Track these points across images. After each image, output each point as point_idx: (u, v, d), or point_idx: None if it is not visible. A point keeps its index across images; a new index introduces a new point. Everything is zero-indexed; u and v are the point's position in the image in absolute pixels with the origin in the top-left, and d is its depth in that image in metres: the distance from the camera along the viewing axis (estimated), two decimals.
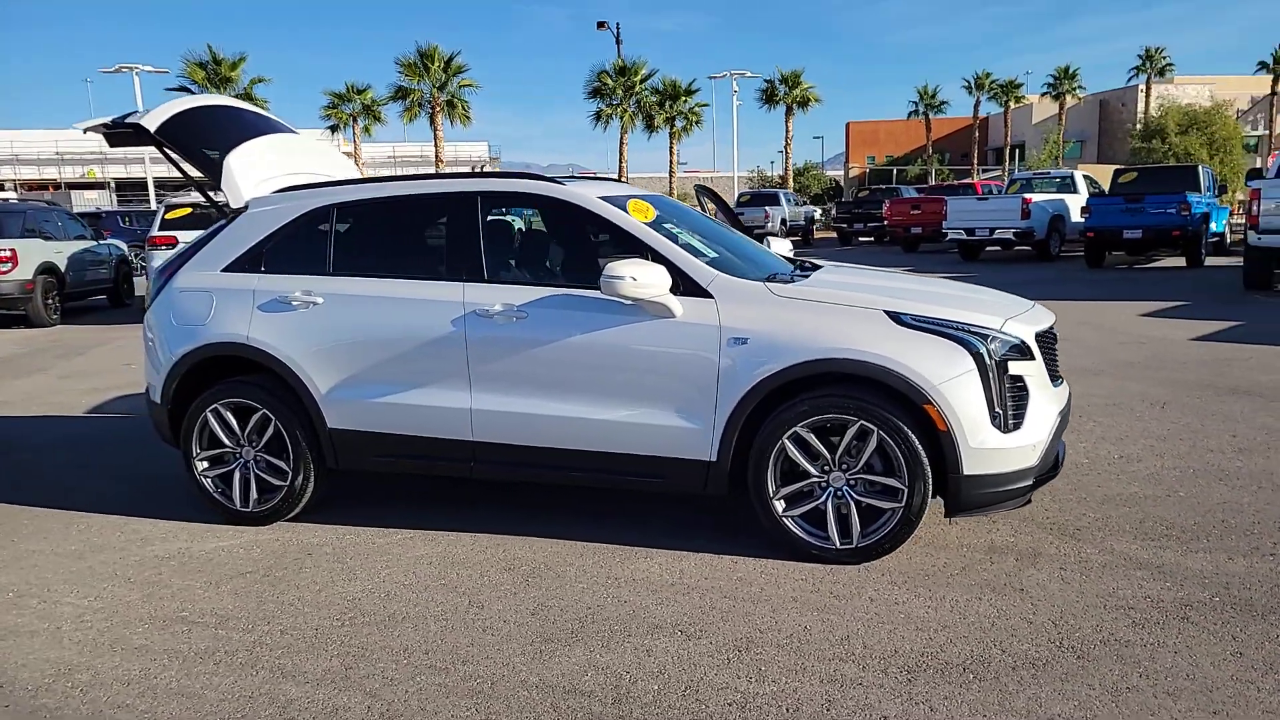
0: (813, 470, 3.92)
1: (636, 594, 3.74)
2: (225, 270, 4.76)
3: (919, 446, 3.76)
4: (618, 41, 41.73)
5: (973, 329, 3.84)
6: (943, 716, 2.79)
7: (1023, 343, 3.92)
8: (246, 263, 4.74)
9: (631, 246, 4.23)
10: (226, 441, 4.70)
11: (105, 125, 5.02)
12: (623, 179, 40.99)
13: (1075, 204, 20.87)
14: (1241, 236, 22.80)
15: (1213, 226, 18.86)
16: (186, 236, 14.24)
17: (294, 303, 4.55)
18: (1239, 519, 4.32)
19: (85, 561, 4.33)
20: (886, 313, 3.89)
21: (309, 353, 4.50)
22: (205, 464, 4.75)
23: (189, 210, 14.83)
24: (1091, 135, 71.98)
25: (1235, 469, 5.08)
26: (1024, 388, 3.89)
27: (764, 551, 4.08)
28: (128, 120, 4.89)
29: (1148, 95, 68.41)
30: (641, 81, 39.47)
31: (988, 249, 22.21)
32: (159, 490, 5.39)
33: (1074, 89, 71.25)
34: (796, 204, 32.57)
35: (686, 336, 4.00)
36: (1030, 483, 3.90)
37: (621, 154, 40.78)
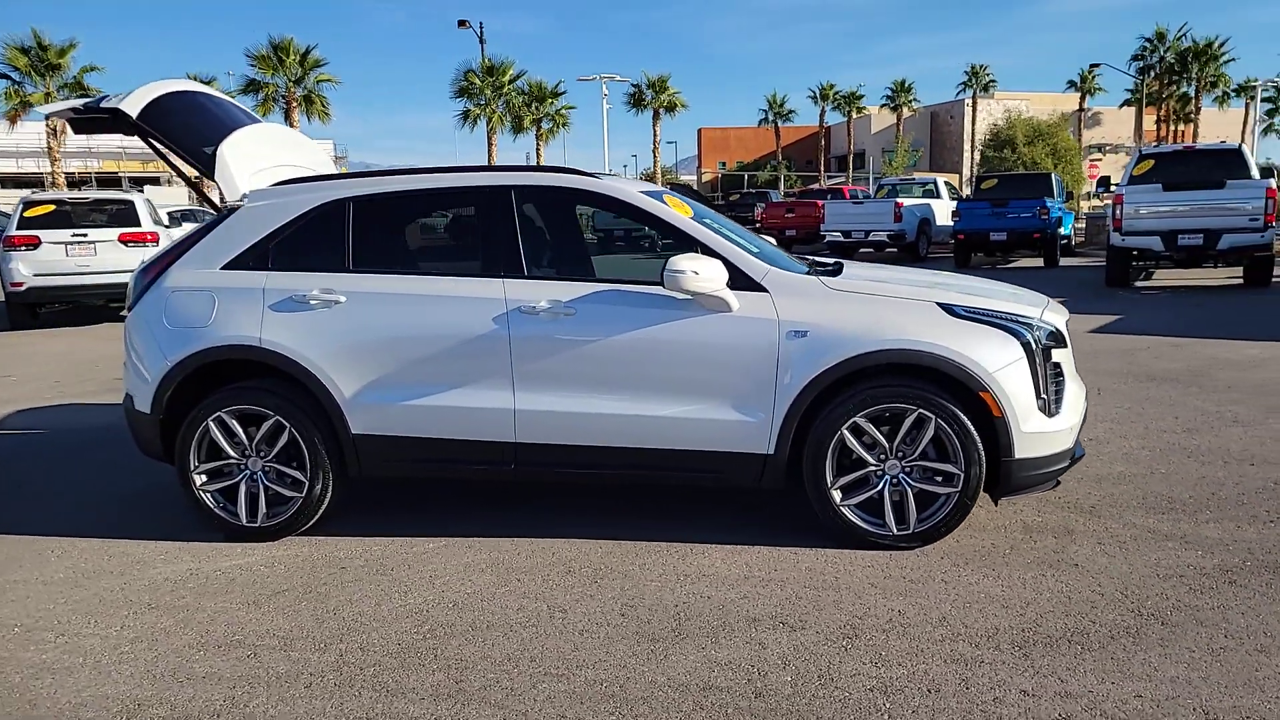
0: (870, 459, 4.01)
1: (715, 589, 3.72)
2: (226, 268, 4.43)
3: (974, 432, 3.91)
4: (481, 41, 41.14)
5: (1019, 319, 4.03)
6: (1075, 687, 2.91)
7: (1058, 330, 4.15)
8: (251, 260, 4.42)
9: (679, 241, 4.21)
10: (231, 452, 4.37)
11: (74, 110, 4.58)
12: None
13: (939, 208, 22.15)
14: (1083, 239, 24.85)
15: (1063, 230, 20.38)
16: (53, 235, 13.15)
17: (312, 302, 4.28)
18: (1225, 491, 4.70)
19: (85, 589, 3.93)
20: (939, 305, 4.03)
21: (331, 355, 4.24)
22: (204, 478, 4.40)
23: (51, 208, 13.66)
24: (924, 144, 76.36)
25: (1194, 446, 5.53)
26: (1061, 374, 4.11)
27: (817, 541, 4.14)
28: (103, 105, 4.48)
29: (974, 109, 73.21)
30: (510, 82, 39.10)
31: (861, 250, 23.20)
32: (130, 509, 4.96)
33: (909, 101, 75.49)
34: None
35: (744, 330, 4.01)
36: (1066, 465, 4.13)
37: (491, 155, 40.25)
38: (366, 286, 4.28)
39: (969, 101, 73.60)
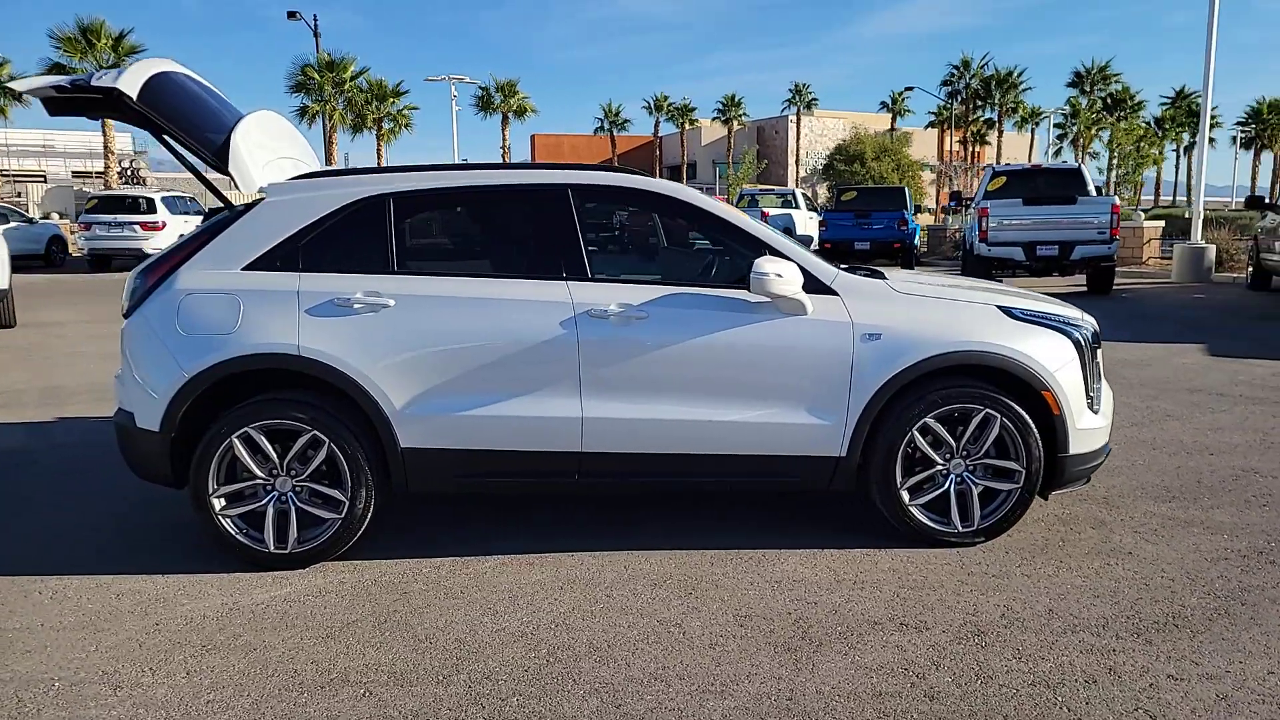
0: (937, 459, 4.10)
1: (816, 595, 3.69)
2: (248, 269, 4.00)
3: (1035, 430, 4.07)
4: (315, 35, 39.32)
5: (1069, 320, 4.23)
6: (1211, 668, 3.08)
7: (1098, 331, 4.38)
8: (278, 260, 4.02)
9: (743, 243, 4.16)
10: (258, 472, 3.95)
11: (56, 89, 4.02)
12: None
13: (799, 218, 23.01)
14: (925, 249, 26.46)
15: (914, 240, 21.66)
16: None
17: (356, 306, 3.93)
18: (1207, 479, 5.12)
19: (112, 634, 3.44)
20: (999, 307, 4.17)
21: (378, 363, 3.91)
22: (224, 502, 3.96)
23: None
24: (743, 157, 79.47)
25: (1151, 440, 5.99)
26: (1100, 373, 4.35)
27: (877, 541, 4.20)
28: (94, 84, 3.95)
29: (798, 124, 76.80)
30: (352, 79, 37.54)
31: None
32: (112, 538, 4.40)
33: (739, 115, 78.26)
34: None
35: (819, 333, 4.01)
36: (1103, 459, 4.37)
37: (331, 153, 38.52)
38: (416, 289, 3.98)
39: (793, 118, 77.07)
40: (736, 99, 77.06)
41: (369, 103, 39.41)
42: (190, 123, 4.15)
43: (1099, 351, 4.32)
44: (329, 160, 39.34)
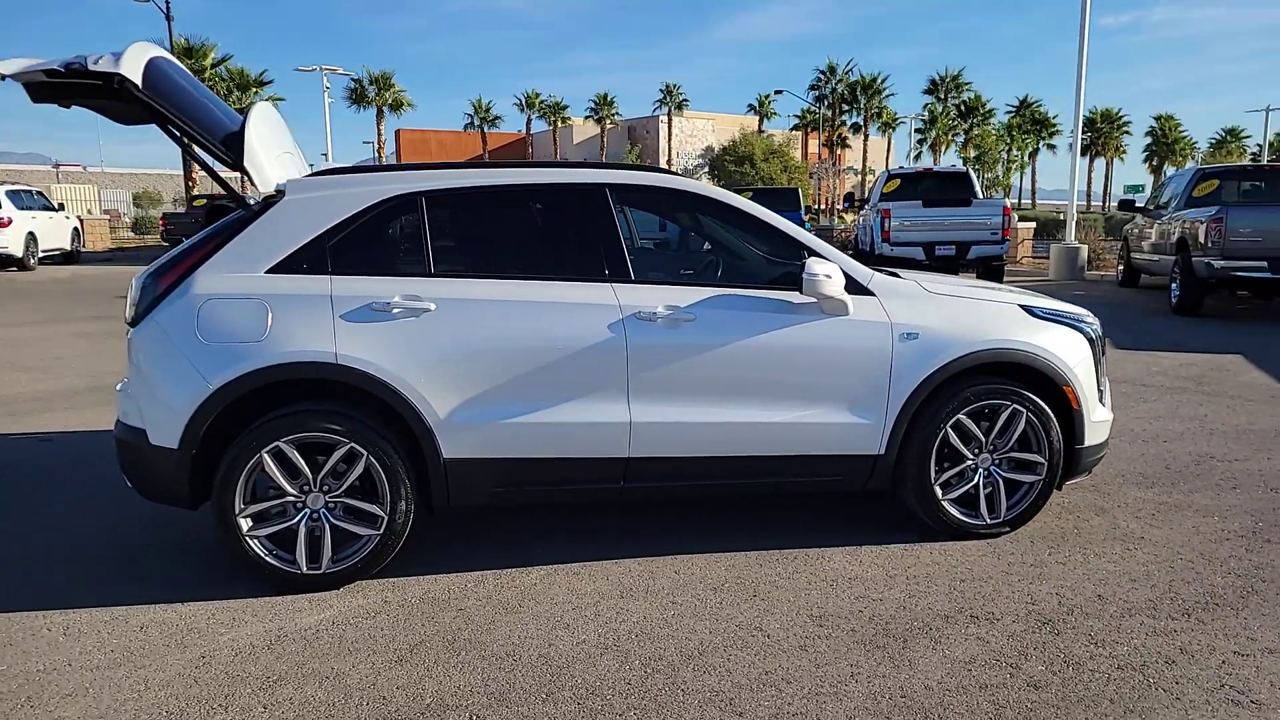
0: (968, 454, 4.23)
1: (878, 591, 3.74)
2: (272, 271, 3.75)
3: (1056, 423, 4.26)
4: (168, 19, 37.08)
5: (1081, 318, 4.44)
6: (1265, 643, 3.29)
7: (1102, 329, 4.62)
8: (305, 262, 3.78)
9: (781, 244, 4.18)
10: (289, 489, 3.71)
11: (46, 73, 3.65)
12: (192, 176, 36.67)
13: None
14: None
15: None
16: None
17: (395, 310, 3.74)
18: (1176, 465, 5.48)
19: (157, 670, 3.16)
20: (1021, 306, 4.34)
21: (420, 370, 3.73)
22: (251, 521, 3.69)
23: None
24: (623, 157, 79.84)
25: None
26: (1105, 368, 4.59)
27: (907, 536, 4.30)
28: (92, 68, 3.61)
29: (669, 125, 77.81)
30: (213, 66, 35.58)
31: None
32: (111, 561, 4.03)
33: (612, 115, 78.66)
34: None
35: (861, 334, 4.07)
36: (1105, 451, 4.61)
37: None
38: (458, 292, 3.82)
39: (664, 118, 78.02)
40: (609, 98, 77.49)
41: (230, 93, 37.51)
42: (195, 113, 3.85)
43: (1105, 347, 4.56)
44: (184, 154, 37.25)
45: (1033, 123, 65.42)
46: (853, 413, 4.09)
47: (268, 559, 3.71)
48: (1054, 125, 67.41)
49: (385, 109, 42.40)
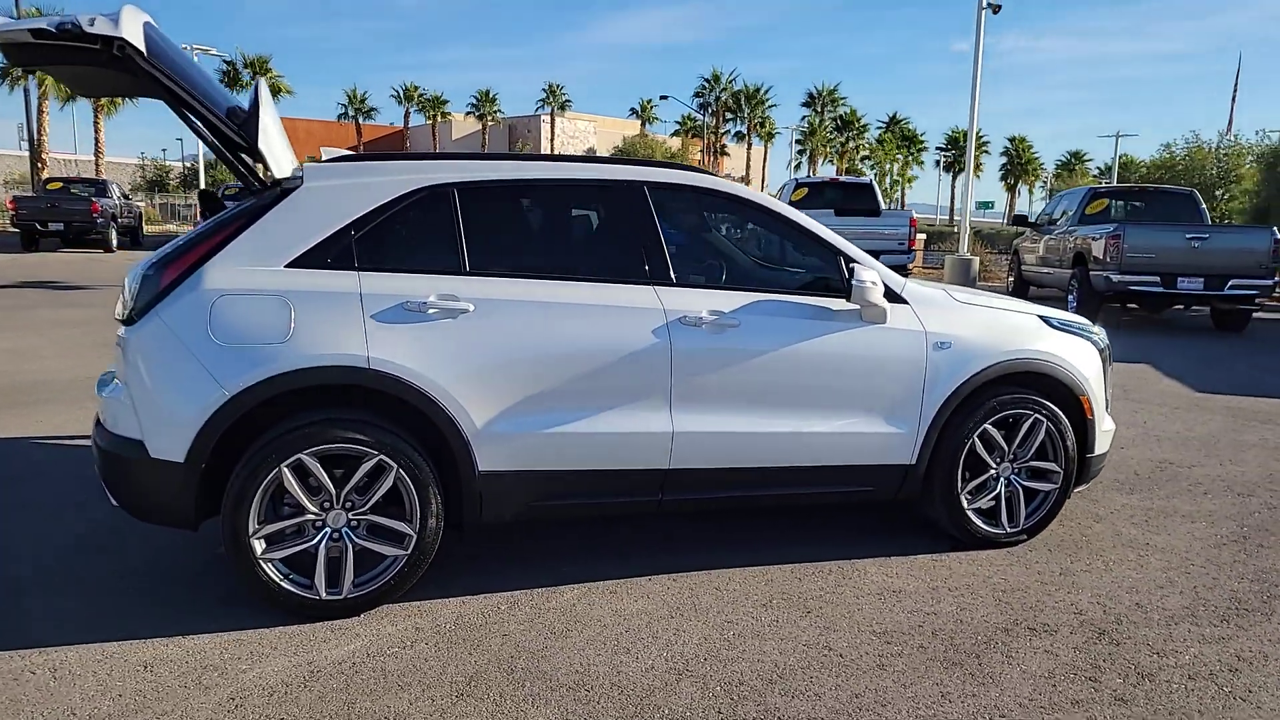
0: (991, 463, 4.24)
1: (928, 604, 3.68)
2: (293, 266, 3.39)
3: (1071, 432, 4.32)
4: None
5: (1090, 330, 4.53)
6: None
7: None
8: (328, 256, 3.43)
9: (821, 250, 4.09)
10: (310, 506, 3.36)
11: (34, 32, 3.19)
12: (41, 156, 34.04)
13: None
14: None
15: None
16: None
17: (431, 311, 3.44)
18: (1144, 471, 5.68)
19: (183, 716, 2.78)
20: (1040, 317, 4.38)
21: (457, 376, 3.45)
22: (264, 544, 3.32)
23: None
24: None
25: None
26: (1109, 378, 4.69)
27: (925, 546, 4.28)
28: (89, 30, 3.19)
29: (552, 125, 77.34)
30: None
31: None
32: (89, 588, 3.56)
33: (494, 111, 77.54)
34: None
35: (898, 342, 4.02)
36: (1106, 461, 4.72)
37: (41, 125, 33.79)
38: (497, 293, 3.55)
39: (545, 117, 77.47)
40: (491, 94, 76.40)
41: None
42: (201, 87, 3.45)
43: (1110, 357, 4.67)
44: (39, 136, 34.58)
45: (902, 138, 68.26)
46: (888, 422, 4.04)
47: (283, 584, 3.35)
48: (921, 142, 70.51)
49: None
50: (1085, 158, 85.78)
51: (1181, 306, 13.36)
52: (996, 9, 17.91)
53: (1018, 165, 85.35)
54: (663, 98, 62.40)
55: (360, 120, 76.50)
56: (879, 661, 3.21)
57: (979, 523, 4.25)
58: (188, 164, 51.49)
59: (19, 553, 3.97)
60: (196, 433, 3.22)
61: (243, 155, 3.68)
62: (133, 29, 3.25)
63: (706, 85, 60.00)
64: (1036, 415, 4.23)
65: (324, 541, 3.39)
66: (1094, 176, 79.54)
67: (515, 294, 3.57)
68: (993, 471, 4.25)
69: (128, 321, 3.33)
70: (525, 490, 3.62)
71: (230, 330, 3.26)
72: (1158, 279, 12.02)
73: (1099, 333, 4.58)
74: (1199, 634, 3.48)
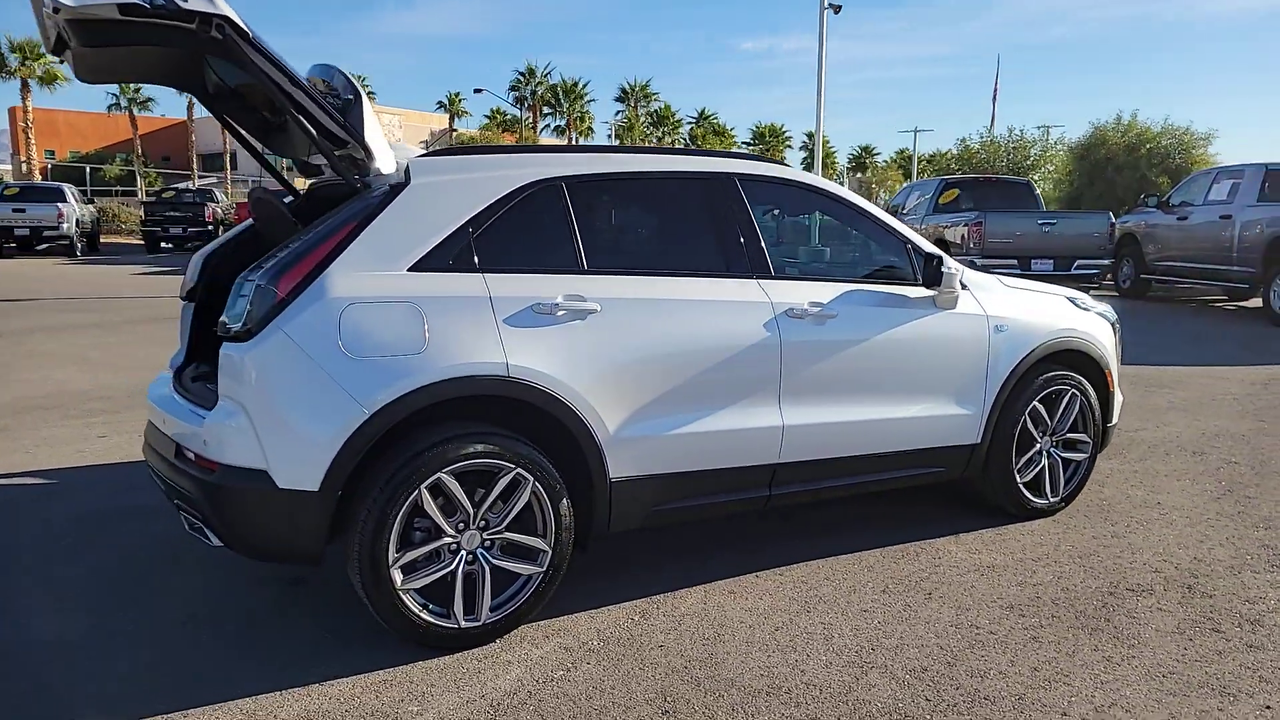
0: (1038, 438, 4.49)
1: (1026, 576, 3.84)
2: (415, 269, 3.11)
3: (1097, 404, 4.64)
4: None
5: (1105, 311, 4.86)
6: None
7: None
8: (450, 258, 3.18)
9: (893, 241, 4.17)
10: (447, 529, 3.11)
11: (120, 8, 2.77)
12: None
13: None
14: None
15: None
16: None
17: (560, 314, 3.25)
18: (1121, 436, 6.15)
19: None
20: (1067, 298, 4.66)
21: (590, 380, 3.28)
22: (402, 573, 3.05)
23: None
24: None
25: None
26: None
27: (976, 521, 4.48)
28: (184, 6, 2.81)
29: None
30: None
31: None
32: (170, 638, 3.14)
33: None
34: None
35: (966, 325, 4.17)
36: None
37: None
38: (619, 291, 3.40)
39: None
40: None
41: None
42: (296, 76, 3.10)
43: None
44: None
45: (713, 133, 70.31)
46: (958, 404, 4.19)
47: (425, 616, 3.08)
48: (731, 137, 72.90)
49: (32, 81, 36.22)
50: (875, 151, 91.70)
51: None
52: (837, 9, 18.81)
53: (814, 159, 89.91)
54: (477, 91, 60.91)
55: (135, 111, 70.42)
56: (1030, 635, 3.33)
57: (1029, 495, 4.48)
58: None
59: (70, 600, 3.44)
60: (333, 457, 2.90)
61: (333, 152, 3.30)
62: (225, 7, 2.87)
63: (522, 79, 59.41)
64: (1073, 390, 4.51)
65: (460, 566, 3.14)
66: (883, 169, 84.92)
67: (638, 292, 3.43)
68: (1038, 446, 4.49)
69: (239, 338, 2.94)
70: (651, 496, 3.50)
71: (363, 342, 2.95)
72: (1015, 262, 13.04)
73: (1109, 310, 4.94)
74: (1266, 580, 3.82)
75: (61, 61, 3.59)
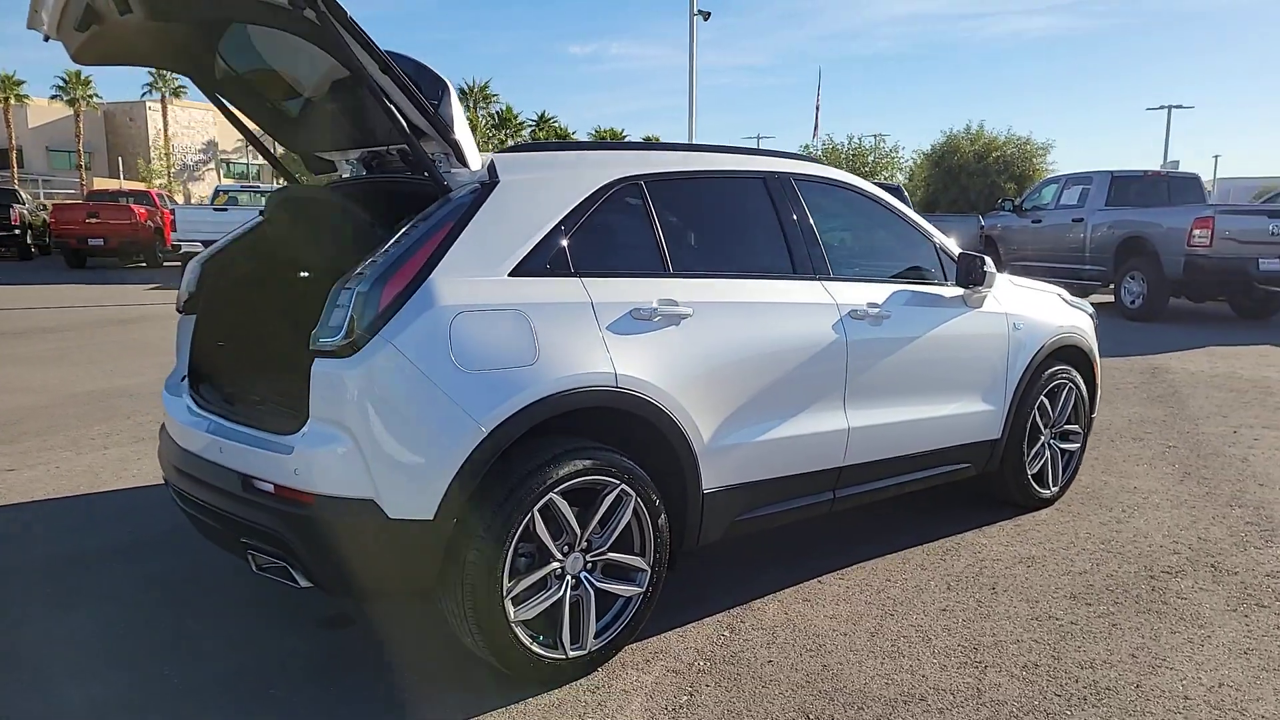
0: (1043, 430, 4.66)
1: (1069, 565, 3.96)
2: (515, 274, 2.87)
3: (1087, 395, 4.87)
4: None
5: (1082, 304, 5.10)
6: None
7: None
8: (546, 261, 2.95)
9: (922, 242, 4.21)
10: (556, 554, 2.89)
11: None
12: None
13: None
14: None
15: None
16: None
17: (656, 319, 3.08)
18: None
19: None
20: (1058, 295, 4.86)
21: (687, 388, 3.13)
22: (513, 605, 2.80)
23: None
24: (100, 147, 69.51)
25: None
26: None
27: (991, 513, 4.61)
28: None
29: (164, 112, 69.06)
30: None
31: None
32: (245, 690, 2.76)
33: (88, 96, 67.69)
34: None
35: (992, 323, 4.27)
36: None
37: None
38: (707, 294, 3.26)
39: (154, 105, 68.99)
40: (84, 77, 66.48)
41: None
42: (388, 62, 2.79)
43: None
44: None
45: (555, 137, 70.14)
46: (985, 400, 4.29)
47: (535, 649, 2.84)
48: (573, 139, 72.96)
49: None
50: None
51: None
52: (706, 16, 19.10)
53: None
54: None
55: None
56: (1108, 623, 3.42)
57: (1036, 487, 4.65)
58: None
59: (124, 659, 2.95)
60: (450, 481, 2.62)
61: (416, 146, 2.97)
62: None
63: None
64: (1070, 383, 4.71)
65: (566, 592, 2.92)
66: None
67: (724, 295, 3.31)
68: (1042, 439, 4.67)
69: (338, 353, 2.61)
70: (734, 506, 3.38)
71: (475, 354, 2.69)
72: None
73: (1087, 305, 5.19)
74: (1270, 555, 4.11)
75: (48, 39, 3.11)
